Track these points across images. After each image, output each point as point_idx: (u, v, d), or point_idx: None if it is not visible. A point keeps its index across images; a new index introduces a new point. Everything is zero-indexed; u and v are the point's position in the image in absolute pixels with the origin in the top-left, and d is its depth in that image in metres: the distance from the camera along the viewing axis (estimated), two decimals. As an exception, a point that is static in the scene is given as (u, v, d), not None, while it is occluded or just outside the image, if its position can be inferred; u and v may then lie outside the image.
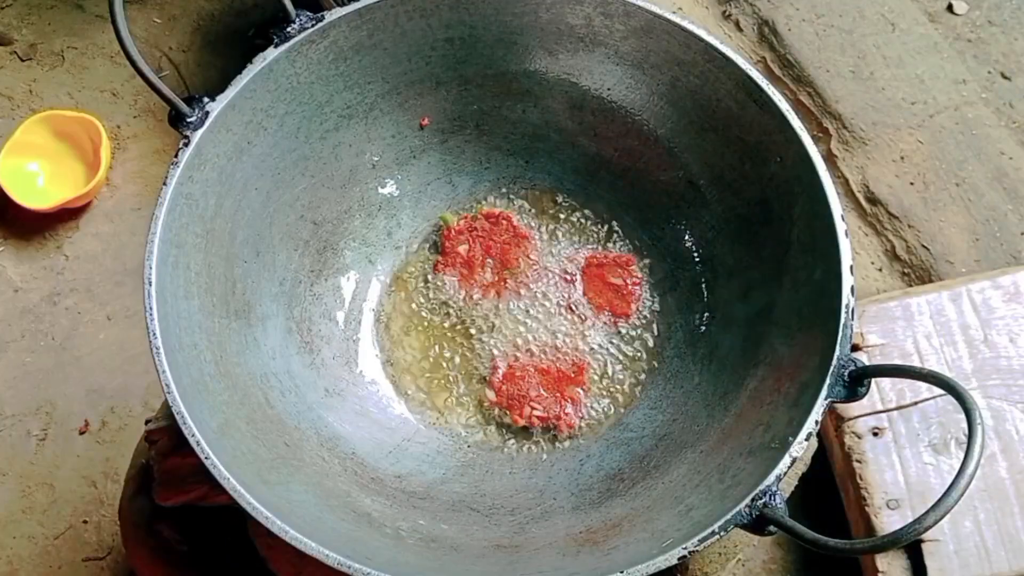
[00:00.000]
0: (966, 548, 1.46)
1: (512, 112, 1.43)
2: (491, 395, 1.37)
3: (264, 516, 1.00)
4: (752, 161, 1.27)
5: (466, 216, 1.45)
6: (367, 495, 1.22)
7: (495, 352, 1.39)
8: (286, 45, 1.23)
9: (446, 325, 1.39)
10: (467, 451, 1.34)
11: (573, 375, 1.36)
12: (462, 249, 1.43)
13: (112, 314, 2.08)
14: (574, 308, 1.41)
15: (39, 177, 2.17)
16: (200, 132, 1.17)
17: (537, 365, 1.37)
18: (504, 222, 1.44)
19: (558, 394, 1.36)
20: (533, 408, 1.35)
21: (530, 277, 1.42)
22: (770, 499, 0.99)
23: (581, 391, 1.36)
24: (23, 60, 2.31)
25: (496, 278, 1.42)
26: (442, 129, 1.44)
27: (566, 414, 1.35)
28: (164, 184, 1.14)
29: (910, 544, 1.48)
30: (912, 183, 1.93)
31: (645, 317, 1.40)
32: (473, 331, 1.39)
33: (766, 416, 1.13)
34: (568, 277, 1.42)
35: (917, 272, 1.88)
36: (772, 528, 0.99)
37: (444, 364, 1.37)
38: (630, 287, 1.41)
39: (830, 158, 1.99)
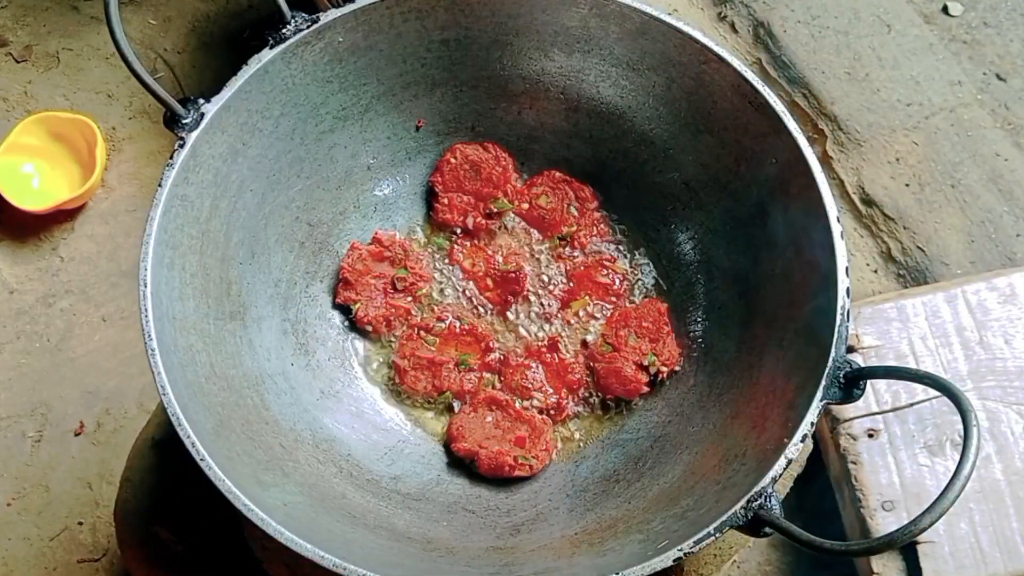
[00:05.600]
0: (961, 550, 1.46)
1: (508, 114, 1.43)
2: (496, 383, 1.37)
3: (259, 518, 1.00)
4: (747, 163, 1.27)
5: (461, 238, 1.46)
6: (362, 497, 1.22)
7: (495, 349, 1.39)
8: (281, 47, 1.23)
9: (443, 328, 1.39)
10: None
11: (571, 368, 1.37)
12: (467, 264, 1.43)
13: (107, 316, 2.08)
14: (570, 309, 1.41)
15: (34, 178, 2.17)
16: (195, 133, 1.17)
17: (538, 359, 1.38)
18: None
19: (557, 384, 1.36)
20: (533, 397, 1.36)
21: (528, 279, 1.42)
22: (765, 500, 0.99)
23: (577, 383, 1.37)
24: (18, 61, 2.30)
25: (496, 283, 1.42)
26: (438, 131, 1.44)
27: (564, 404, 1.36)
28: (159, 185, 1.14)
29: (906, 546, 1.48)
30: (907, 185, 1.94)
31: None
32: (470, 332, 1.39)
33: (761, 418, 1.13)
34: (562, 279, 1.43)
35: (912, 274, 1.88)
36: (767, 529, 0.99)
37: (441, 365, 1.37)
38: (618, 284, 1.41)
39: (825, 160, 1.99)
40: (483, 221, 1.44)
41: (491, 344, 1.39)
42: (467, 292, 1.43)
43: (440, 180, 1.44)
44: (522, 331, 1.41)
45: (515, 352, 1.39)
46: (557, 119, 1.43)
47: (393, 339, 1.40)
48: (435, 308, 1.41)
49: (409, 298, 1.41)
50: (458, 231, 1.45)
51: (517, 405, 1.35)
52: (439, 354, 1.37)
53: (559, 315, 1.41)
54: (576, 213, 1.44)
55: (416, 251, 1.43)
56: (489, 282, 1.42)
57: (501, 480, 1.31)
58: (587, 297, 1.41)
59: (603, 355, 1.36)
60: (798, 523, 0.95)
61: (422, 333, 1.39)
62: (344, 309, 1.40)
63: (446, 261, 1.44)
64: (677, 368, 1.35)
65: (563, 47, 1.34)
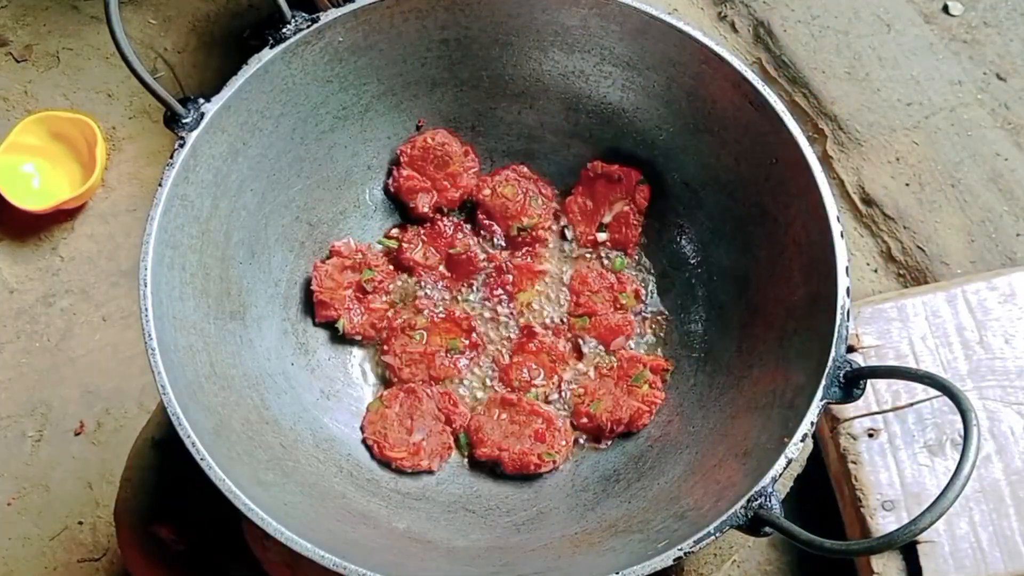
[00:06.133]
0: (961, 549, 1.46)
1: (508, 114, 1.43)
2: (496, 388, 1.37)
3: (260, 517, 1.00)
4: (747, 163, 1.27)
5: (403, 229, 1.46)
6: (363, 496, 1.22)
7: (476, 329, 1.39)
8: (282, 46, 1.23)
9: (425, 321, 1.39)
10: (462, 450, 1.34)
11: (552, 347, 1.38)
12: (419, 257, 1.43)
13: (107, 315, 2.08)
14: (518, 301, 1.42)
15: (34, 178, 2.17)
16: (195, 133, 1.17)
17: (522, 352, 1.38)
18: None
19: (550, 367, 1.37)
20: (535, 387, 1.36)
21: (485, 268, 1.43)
22: (765, 500, 0.99)
23: (563, 356, 1.38)
24: (19, 61, 2.30)
25: (450, 268, 1.43)
26: (438, 130, 1.45)
27: (562, 378, 1.37)
28: (159, 185, 1.14)
29: (905, 545, 1.48)
30: (907, 184, 1.94)
31: (640, 319, 1.40)
32: (447, 318, 1.39)
33: (761, 417, 1.13)
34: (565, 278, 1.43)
35: (912, 273, 1.89)
36: (767, 529, 0.99)
37: (433, 355, 1.37)
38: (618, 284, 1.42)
39: (825, 159, 1.99)
40: (431, 212, 1.44)
41: (472, 324, 1.39)
42: (428, 282, 1.43)
43: (407, 153, 1.43)
44: (498, 311, 1.41)
45: (502, 352, 1.39)
46: (557, 119, 1.43)
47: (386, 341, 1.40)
48: (411, 300, 1.41)
49: (384, 297, 1.40)
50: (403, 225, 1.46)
51: (525, 399, 1.35)
52: (428, 346, 1.37)
53: (519, 306, 1.42)
54: (540, 206, 1.44)
55: (376, 250, 1.43)
56: (443, 270, 1.42)
57: (501, 479, 1.31)
58: (533, 288, 1.41)
59: (586, 327, 1.37)
60: (798, 523, 0.95)
61: (407, 330, 1.38)
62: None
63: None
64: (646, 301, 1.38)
65: (563, 47, 1.34)
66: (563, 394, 1.36)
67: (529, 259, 1.42)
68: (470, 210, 1.46)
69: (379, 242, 1.44)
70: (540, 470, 1.30)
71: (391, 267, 1.43)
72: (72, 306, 2.09)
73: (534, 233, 1.43)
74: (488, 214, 1.44)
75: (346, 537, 1.11)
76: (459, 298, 1.42)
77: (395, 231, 1.45)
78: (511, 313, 1.41)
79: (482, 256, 1.43)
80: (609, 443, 1.33)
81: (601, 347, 1.38)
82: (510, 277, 1.42)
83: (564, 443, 1.32)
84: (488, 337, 1.40)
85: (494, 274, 1.42)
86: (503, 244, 1.44)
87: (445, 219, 1.44)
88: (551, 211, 1.44)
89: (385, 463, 1.31)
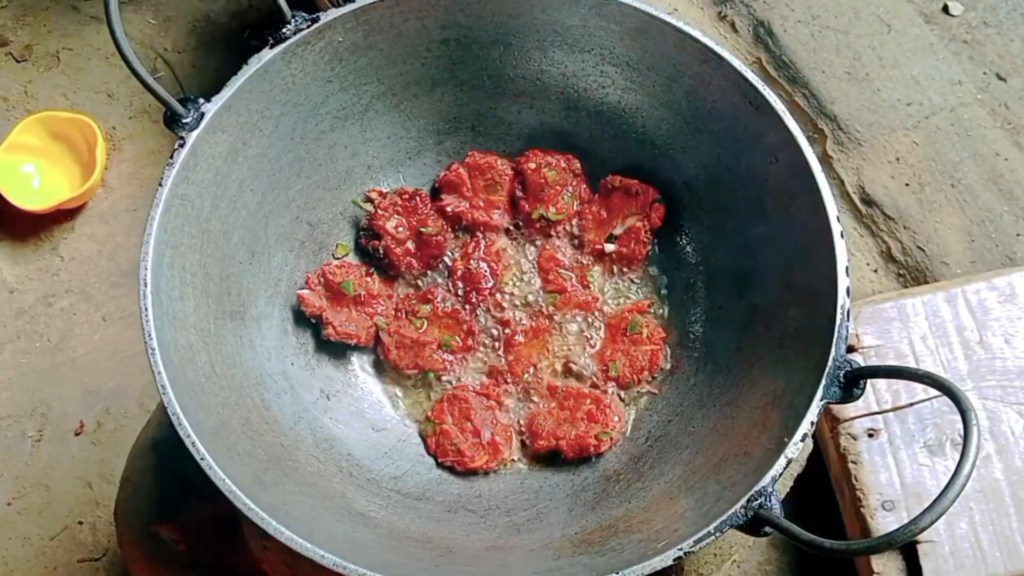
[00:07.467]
0: (961, 549, 1.46)
1: (508, 113, 1.43)
2: (502, 363, 1.39)
3: (259, 517, 1.00)
4: (747, 163, 1.27)
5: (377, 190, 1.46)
6: (363, 496, 1.22)
7: (477, 333, 1.39)
8: (281, 46, 1.23)
9: (428, 310, 1.39)
10: (463, 452, 1.34)
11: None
12: (391, 226, 1.42)
13: (107, 315, 2.08)
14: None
15: (34, 178, 2.17)
16: (195, 133, 1.17)
17: (535, 333, 1.39)
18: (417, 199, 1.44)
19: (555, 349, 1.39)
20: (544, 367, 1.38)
21: (520, 276, 1.42)
22: (765, 500, 0.99)
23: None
24: (19, 61, 2.30)
25: (418, 246, 1.43)
26: (438, 130, 1.44)
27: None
28: (159, 185, 1.14)
29: (905, 545, 1.48)
30: (907, 184, 1.94)
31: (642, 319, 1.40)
32: (451, 315, 1.39)
33: (761, 417, 1.13)
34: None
35: (912, 273, 1.88)
36: (767, 529, 0.99)
37: (424, 345, 1.37)
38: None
39: (825, 159, 1.99)
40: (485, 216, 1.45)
41: (473, 327, 1.39)
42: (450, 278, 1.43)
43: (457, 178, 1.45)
44: (514, 317, 1.41)
45: (507, 341, 1.40)
46: (557, 119, 1.43)
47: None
48: (420, 288, 1.42)
49: (380, 306, 1.40)
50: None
51: (563, 386, 1.36)
52: (424, 335, 1.37)
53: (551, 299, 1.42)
54: (568, 203, 1.43)
55: (354, 264, 1.43)
56: (410, 245, 1.42)
57: (502, 479, 1.31)
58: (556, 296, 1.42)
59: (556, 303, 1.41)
60: (798, 522, 0.95)
61: (409, 315, 1.39)
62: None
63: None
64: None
65: (563, 47, 1.34)
66: (585, 355, 1.38)
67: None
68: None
69: (353, 202, 1.43)
70: (600, 450, 1.31)
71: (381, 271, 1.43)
72: (72, 306, 2.09)
73: (551, 228, 1.43)
74: (523, 186, 1.44)
75: (346, 537, 1.11)
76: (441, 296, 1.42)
77: (374, 193, 1.44)
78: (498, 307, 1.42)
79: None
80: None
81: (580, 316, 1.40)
82: (485, 268, 1.42)
83: (617, 418, 1.32)
84: (482, 344, 1.40)
85: (471, 270, 1.42)
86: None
87: (426, 197, 1.44)
88: (575, 212, 1.44)
89: (470, 472, 1.33)
